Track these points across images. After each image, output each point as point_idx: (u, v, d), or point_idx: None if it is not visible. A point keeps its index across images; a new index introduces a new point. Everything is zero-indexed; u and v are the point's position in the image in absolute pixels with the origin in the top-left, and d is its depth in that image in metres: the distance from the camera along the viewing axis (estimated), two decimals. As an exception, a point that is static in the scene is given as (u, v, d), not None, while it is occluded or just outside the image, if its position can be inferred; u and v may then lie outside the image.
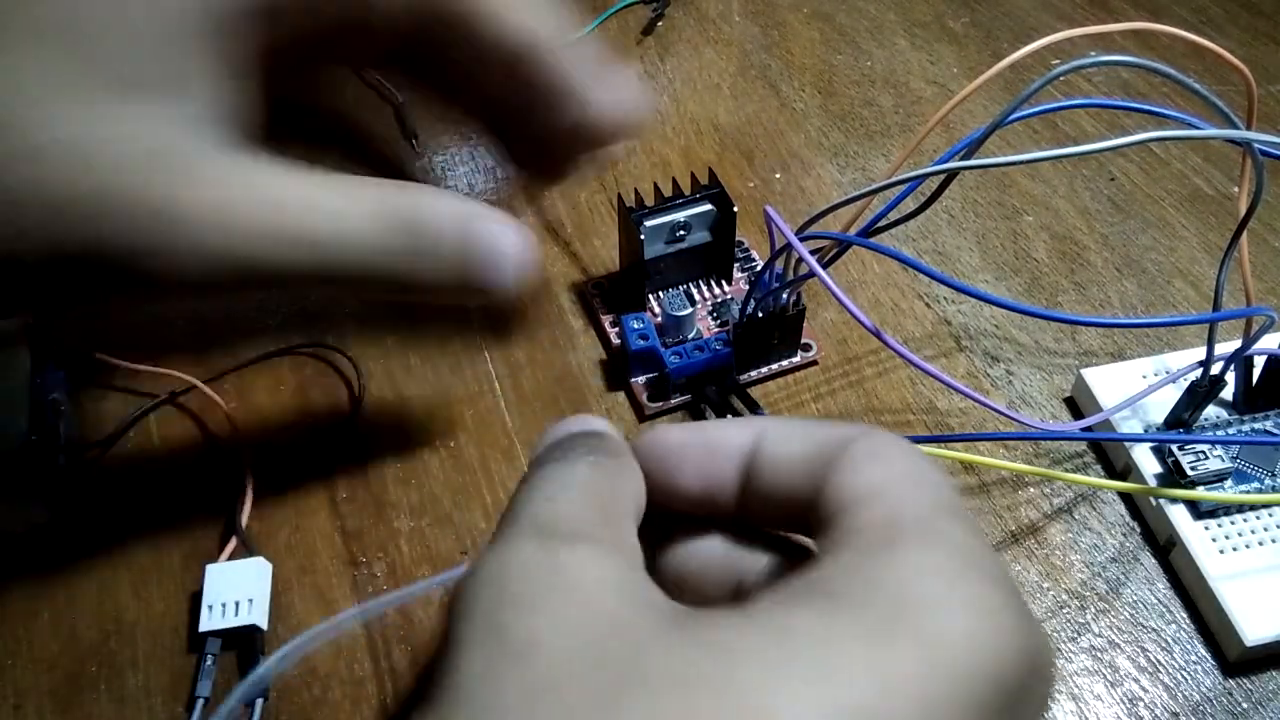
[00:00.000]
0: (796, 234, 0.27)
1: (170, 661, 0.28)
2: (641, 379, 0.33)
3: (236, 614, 0.28)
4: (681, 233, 0.33)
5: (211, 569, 0.28)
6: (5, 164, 0.21)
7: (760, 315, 0.31)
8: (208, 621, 0.27)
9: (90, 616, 0.29)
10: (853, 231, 0.27)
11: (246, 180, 0.23)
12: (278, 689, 0.27)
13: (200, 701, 0.27)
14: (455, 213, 0.25)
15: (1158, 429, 0.30)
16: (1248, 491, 0.29)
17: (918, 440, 0.31)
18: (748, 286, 0.33)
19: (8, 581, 0.30)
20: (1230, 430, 0.30)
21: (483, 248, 0.25)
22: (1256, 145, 0.23)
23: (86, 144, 0.21)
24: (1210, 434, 0.30)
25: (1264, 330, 0.27)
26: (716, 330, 0.34)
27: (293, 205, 0.23)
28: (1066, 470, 0.31)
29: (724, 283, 0.35)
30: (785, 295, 0.30)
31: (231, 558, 0.29)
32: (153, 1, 0.22)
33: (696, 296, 0.35)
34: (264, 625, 0.28)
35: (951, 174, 0.24)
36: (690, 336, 0.33)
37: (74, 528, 0.31)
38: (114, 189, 0.21)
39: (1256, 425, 0.30)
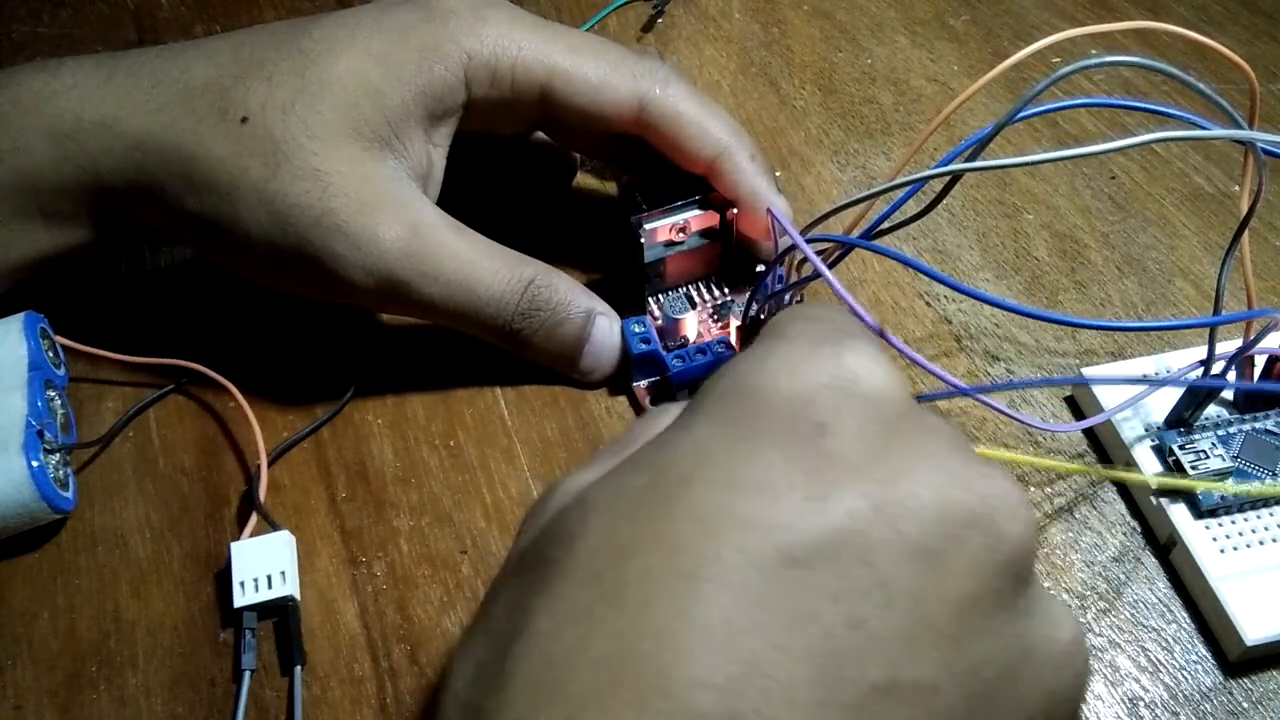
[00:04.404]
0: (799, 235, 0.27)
1: (170, 661, 0.28)
2: (644, 382, 0.33)
3: (270, 586, 0.28)
4: (681, 235, 0.33)
5: (236, 546, 0.29)
6: (277, 174, 0.29)
7: (763, 317, 0.31)
8: (241, 597, 0.28)
9: (90, 616, 0.29)
10: (855, 233, 0.26)
11: (434, 229, 0.30)
12: (277, 689, 0.27)
13: (247, 674, 0.27)
14: (581, 298, 0.32)
15: (1159, 429, 0.30)
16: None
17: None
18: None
19: (8, 581, 0.30)
20: (1231, 429, 0.30)
21: (595, 335, 0.32)
22: (1260, 145, 0.23)
23: (329, 174, 0.29)
24: (1211, 433, 0.29)
25: (1266, 331, 0.27)
26: (718, 333, 0.34)
27: (466, 256, 0.30)
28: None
29: (724, 285, 0.35)
30: (788, 297, 0.30)
31: (254, 535, 0.29)
32: (392, 90, 0.30)
33: (696, 299, 0.35)
34: (297, 595, 0.28)
35: (956, 176, 0.24)
36: (691, 339, 0.33)
37: (74, 526, 0.31)
38: (338, 210, 0.29)
39: (1257, 425, 0.30)
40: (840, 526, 0.16)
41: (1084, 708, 0.26)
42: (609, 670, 0.15)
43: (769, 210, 0.29)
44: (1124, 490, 0.30)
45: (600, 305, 0.33)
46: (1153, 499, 0.29)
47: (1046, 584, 0.29)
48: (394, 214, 0.30)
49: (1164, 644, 0.28)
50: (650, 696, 0.15)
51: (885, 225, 0.26)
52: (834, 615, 0.16)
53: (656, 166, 0.34)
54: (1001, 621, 0.17)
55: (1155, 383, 0.30)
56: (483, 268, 0.31)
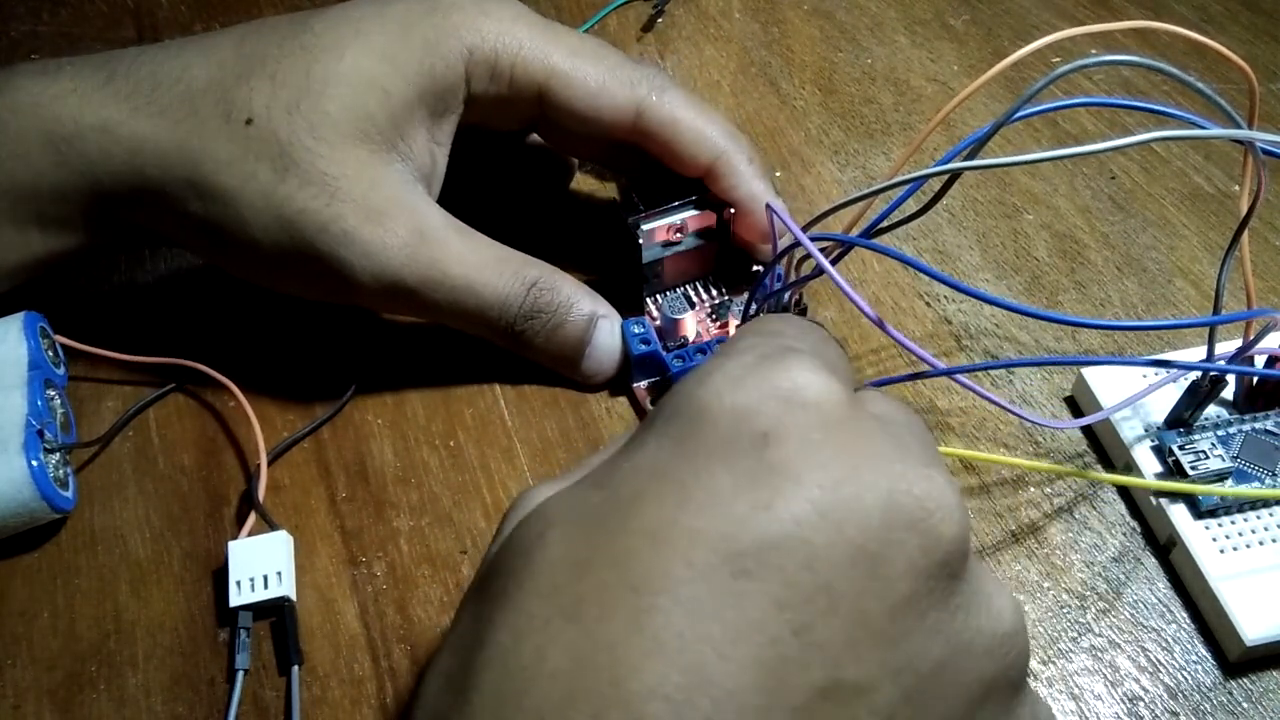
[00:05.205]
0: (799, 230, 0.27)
1: (170, 661, 0.28)
2: (644, 383, 0.33)
3: (266, 587, 0.28)
4: (678, 235, 0.33)
5: (234, 545, 0.29)
6: (284, 178, 0.29)
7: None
8: (237, 597, 0.28)
9: (90, 616, 0.29)
10: (855, 232, 0.26)
11: (440, 232, 0.30)
12: (276, 688, 0.27)
13: (240, 674, 0.27)
14: (584, 301, 0.32)
15: (1158, 429, 0.30)
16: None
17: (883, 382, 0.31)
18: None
19: (8, 581, 0.30)
20: (1231, 430, 0.30)
21: (598, 338, 0.32)
22: (1259, 144, 0.23)
23: (337, 178, 0.29)
24: (1211, 433, 0.29)
25: (1266, 331, 0.27)
26: (717, 333, 0.34)
27: (471, 259, 0.30)
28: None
29: (721, 285, 0.35)
30: (787, 296, 0.30)
31: (252, 534, 0.29)
32: (397, 88, 0.30)
33: (694, 299, 0.35)
34: (293, 596, 0.28)
35: (954, 175, 0.24)
36: (691, 339, 0.33)
37: (74, 526, 0.31)
38: (345, 215, 0.29)
39: (1257, 425, 0.30)
40: (785, 533, 0.17)
41: (1084, 707, 0.27)
42: (566, 682, 0.16)
43: (769, 206, 0.29)
44: (1124, 490, 0.30)
45: (603, 308, 0.33)
46: (1152, 499, 0.29)
47: (1046, 584, 0.29)
48: (401, 219, 0.30)
49: (1164, 644, 0.28)
50: (605, 707, 0.16)
51: (884, 224, 0.26)
52: (779, 623, 0.16)
53: (653, 171, 0.34)
54: (937, 619, 0.18)
55: (1136, 362, 0.30)
56: (487, 270, 0.31)
